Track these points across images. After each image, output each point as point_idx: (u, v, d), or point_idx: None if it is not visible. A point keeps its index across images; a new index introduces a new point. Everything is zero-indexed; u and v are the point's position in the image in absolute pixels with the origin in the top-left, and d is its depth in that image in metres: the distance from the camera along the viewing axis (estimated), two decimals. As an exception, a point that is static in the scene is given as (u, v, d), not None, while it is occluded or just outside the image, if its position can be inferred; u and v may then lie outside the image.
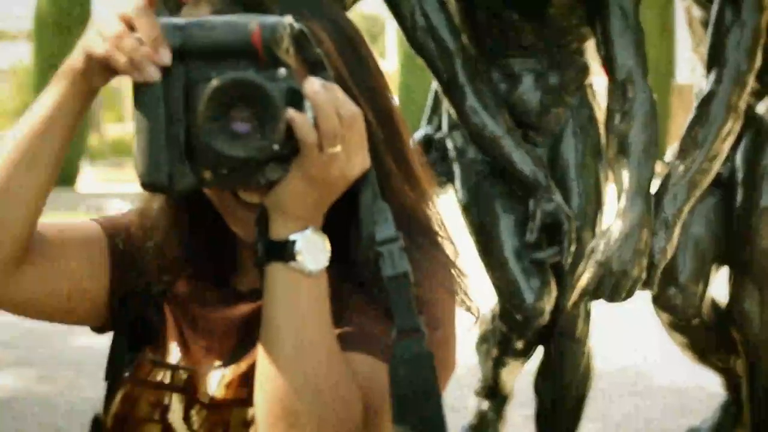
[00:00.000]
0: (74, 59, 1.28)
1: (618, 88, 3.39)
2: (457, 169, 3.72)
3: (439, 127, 3.87)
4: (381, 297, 1.31)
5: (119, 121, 29.23)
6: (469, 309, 1.43)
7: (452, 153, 3.74)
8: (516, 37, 3.59)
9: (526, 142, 3.57)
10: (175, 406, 1.42)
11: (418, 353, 1.26)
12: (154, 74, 1.22)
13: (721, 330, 3.75)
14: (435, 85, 3.76)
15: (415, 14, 3.52)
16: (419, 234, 1.40)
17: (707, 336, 3.77)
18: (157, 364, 1.43)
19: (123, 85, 31.73)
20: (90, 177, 21.65)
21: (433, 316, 1.34)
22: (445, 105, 3.72)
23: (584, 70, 3.69)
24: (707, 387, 5.47)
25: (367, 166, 1.28)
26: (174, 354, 1.45)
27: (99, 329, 1.53)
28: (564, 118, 3.67)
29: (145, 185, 1.26)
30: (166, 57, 1.22)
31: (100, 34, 1.24)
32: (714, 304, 3.78)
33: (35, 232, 1.39)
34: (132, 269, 1.47)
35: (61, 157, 1.32)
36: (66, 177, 20.70)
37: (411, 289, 1.28)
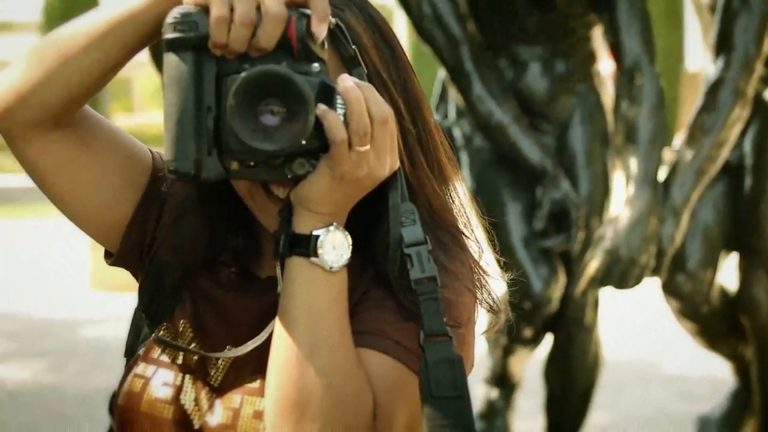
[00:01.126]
0: None
1: (625, 76, 3.39)
2: (464, 157, 3.72)
3: (446, 116, 3.87)
4: (403, 295, 1.31)
5: (128, 112, 29.28)
6: (492, 310, 1.42)
7: (459, 141, 3.74)
8: (523, 24, 3.59)
9: (533, 130, 3.57)
10: (188, 387, 1.42)
11: (449, 357, 1.27)
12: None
13: (730, 316, 3.75)
14: (442, 73, 3.76)
15: (422, 3, 3.52)
16: (445, 234, 1.39)
17: (716, 322, 3.76)
18: (168, 345, 1.44)
19: (132, 76, 31.76)
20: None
21: (456, 317, 1.33)
22: (452, 93, 3.72)
23: (591, 57, 3.68)
24: (716, 374, 5.47)
25: (396, 166, 1.28)
26: (185, 336, 1.45)
27: (109, 256, 1.52)
28: (571, 106, 3.66)
29: (172, 172, 1.25)
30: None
31: (220, 16, 1.21)
32: (723, 291, 3.78)
33: (88, 116, 1.41)
34: (158, 216, 1.47)
35: (125, 59, 1.32)
36: (75, 168, 20.74)
37: (438, 293, 1.28)
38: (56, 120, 1.36)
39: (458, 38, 3.51)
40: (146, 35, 1.30)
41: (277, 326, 1.28)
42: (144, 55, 3.62)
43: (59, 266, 10.29)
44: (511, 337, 3.74)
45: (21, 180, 21.29)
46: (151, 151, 1.47)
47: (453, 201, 1.43)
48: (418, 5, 3.52)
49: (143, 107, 31.70)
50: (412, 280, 1.28)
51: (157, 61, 3.24)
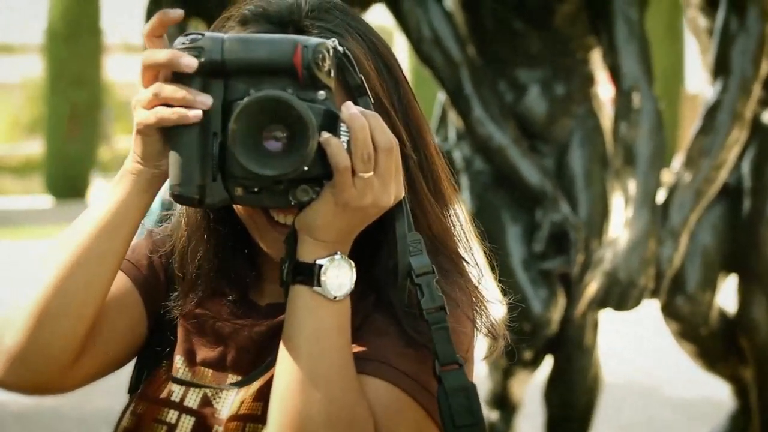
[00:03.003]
0: (130, 163, 1.30)
1: (624, 97, 3.40)
2: (464, 180, 3.72)
3: (446, 139, 3.88)
4: (407, 324, 1.32)
5: (130, 133, 29.28)
6: (490, 335, 1.42)
7: (459, 164, 3.75)
8: (522, 46, 3.61)
9: (533, 152, 3.58)
10: (184, 426, 1.41)
11: (464, 385, 1.29)
12: (200, 108, 1.24)
13: (729, 338, 3.75)
14: (442, 96, 3.78)
15: (421, 26, 3.53)
16: (445, 260, 1.40)
17: (716, 344, 3.76)
18: (176, 380, 1.43)
19: (133, 99, 31.72)
20: (101, 189, 21.69)
21: (458, 347, 1.33)
22: (452, 116, 3.73)
23: (590, 79, 3.70)
24: (715, 395, 5.46)
25: (401, 195, 1.28)
26: (180, 369, 1.44)
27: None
28: (570, 128, 3.67)
29: (176, 197, 1.26)
30: (205, 102, 1.24)
31: (140, 115, 1.27)
32: (722, 313, 3.78)
33: None
34: (162, 285, 1.47)
35: (126, 248, 1.33)
36: (76, 189, 20.74)
37: (447, 321, 1.30)
38: (86, 341, 1.36)
39: (458, 61, 3.53)
40: (144, 207, 1.31)
41: (281, 354, 1.28)
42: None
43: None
44: (511, 360, 3.74)
45: (23, 202, 21.30)
46: (121, 269, 1.44)
47: (454, 226, 1.43)
48: (417, 28, 3.54)
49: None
50: (423, 310, 1.29)
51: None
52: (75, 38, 20.50)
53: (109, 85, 24.88)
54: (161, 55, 1.25)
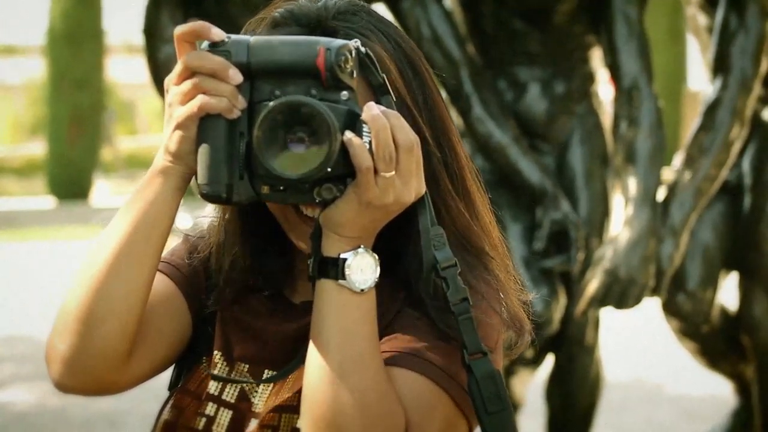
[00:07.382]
0: (160, 160, 1.32)
1: (624, 96, 3.41)
2: (464, 178, 3.73)
3: (446, 137, 3.88)
4: (437, 316, 1.36)
5: (132, 134, 29.35)
6: (518, 329, 1.45)
7: (460, 162, 3.76)
8: (522, 45, 3.61)
9: (533, 151, 3.59)
10: (222, 419, 1.45)
11: (491, 372, 1.33)
12: (238, 105, 1.28)
13: (730, 336, 3.76)
14: (442, 95, 3.78)
15: (420, 25, 3.54)
16: (470, 254, 1.43)
17: (717, 342, 3.77)
18: (215, 377, 1.46)
19: (136, 99, 31.88)
20: (103, 190, 21.72)
21: (485, 339, 1.36)
22: (452, 115, 3.74)
23: (590, 78, 3.70)
24: (717, 394, 5.47)
25: (422, 191, 1.32)
26: (218, 364, 1.48)
27: None
28: (570, 127, 3.68)
29: (204, 196, 1.30)
30: (237, 77, 1.27)
31: (173, 113, 1.29)
32: (723, 310, 3.79)
33: None
34: (202, 285, 1.50)
35: (163, 247, 1.36)
36: (79, 191, 20.77)
37: (471, 312, 1.33)
38: (135, 336, 1.38)
39: (457, 60, 3.54)
40: (177, 203, 1.34)
41: (310, 347, 1.32)
42: (147, 78, 3.63)
43: (65, 289, 10.29)
44: (513, 358, 3.75)
45: (26, 203, 21.32)
46: (160, 270, 1.47)
47: (479, 221, 1.45)
48: (417, 27, 3.55)
49: (147, 129, 31.80)
50: (450, 302, 1.33)
51: (158, 86, 3.27)
52: (76, 40, 20.52)
53: (111, 87, 24.90)
54: (195, 24, 1.29)
